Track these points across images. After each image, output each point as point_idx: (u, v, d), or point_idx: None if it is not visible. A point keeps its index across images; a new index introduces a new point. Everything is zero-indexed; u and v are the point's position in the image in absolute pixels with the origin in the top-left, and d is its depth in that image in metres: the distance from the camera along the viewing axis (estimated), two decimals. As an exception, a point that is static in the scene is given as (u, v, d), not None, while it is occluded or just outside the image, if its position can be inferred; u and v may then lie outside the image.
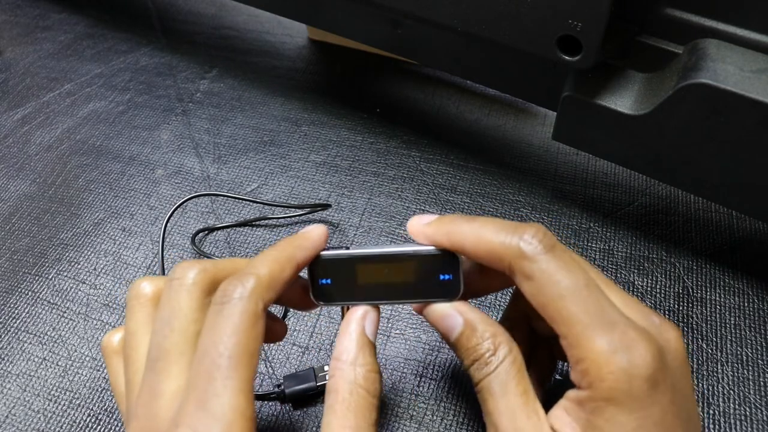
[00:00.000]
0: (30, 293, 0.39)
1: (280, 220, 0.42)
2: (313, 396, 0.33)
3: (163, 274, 0.40)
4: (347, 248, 0.27)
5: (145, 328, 0.25)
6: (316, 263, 0.26)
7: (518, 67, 0.39)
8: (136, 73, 0.56)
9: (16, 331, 0.37)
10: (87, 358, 0.35)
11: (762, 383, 0.33)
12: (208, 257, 0.40)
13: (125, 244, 0.41)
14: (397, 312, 0.37)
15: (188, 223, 0.42)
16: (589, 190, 0.43)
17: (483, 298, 0.37)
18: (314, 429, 0.32)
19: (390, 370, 0.34)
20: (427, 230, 0.26)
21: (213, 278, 0.25)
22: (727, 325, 0.35)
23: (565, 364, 0.32)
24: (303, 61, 0.57)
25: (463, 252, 0.25)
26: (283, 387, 0.32)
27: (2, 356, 0.36)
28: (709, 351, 0.34)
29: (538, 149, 0.47)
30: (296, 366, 0.34)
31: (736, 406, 0.32)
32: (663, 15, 0.32)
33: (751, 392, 0.32)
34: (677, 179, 0.34)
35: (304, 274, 0.27)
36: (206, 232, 0.42)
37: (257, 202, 0.43)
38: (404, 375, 0.34)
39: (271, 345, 0.35)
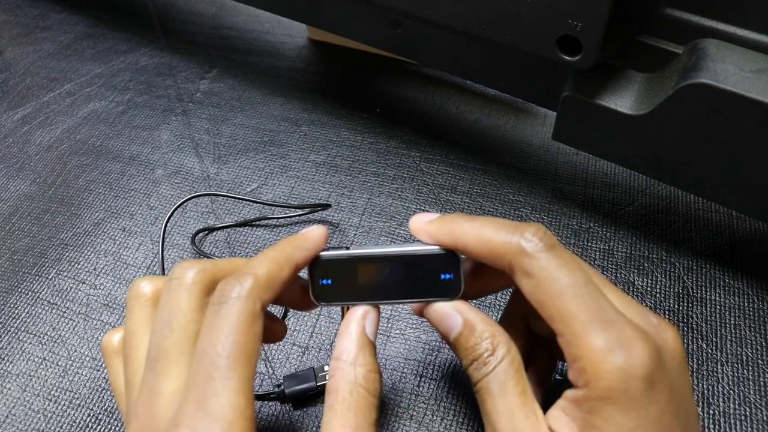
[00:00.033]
0: (30, 293, 0.39)
1: (280, 220, 0.42)
2: (313, 396, 0.33)
3: (163, 274, 0.40)
4: (347, 248, 0.27)
5: (145, 328, 0.25)
6: (316, 263, 0.26)
7: (518, 67, 0.39)
8: (136, 73, 0.56)
9: (16, 331, 0.37)
10: (87, 358, 0.35)
11: (762, 383, 0.33)
12: (208, 257, 0.40)
13: (125, 244, 0.41)
14: (397, 312, 0.37)
15: (188, 223, 0.42)
16: (589, 190, 0.43)
17: (483, 298, 0.37)
18: (314, 429, 0.32)
19: (390, 370, 0.34)
20: (429, 228, 0.26)
21: (212, 278, 0.25)
22: (727, 325, 0.35)
23: (565, 364, 0.32)
24: (303, 61, 0.57)
25: (464, 250, 0.25)
26: (283, 387, 0.32)
27: (2, 356, 0.36)
28: (709, 351, 0.34)
29: (538, 149, 0.47)
30: (296, 366, 0.34)
31: (736, 406, 0.32)
32: (663, 15, 0.32)
33: (751, 392, 0.32)
34: (677, 179, 0.34)
35: (303, 274, 0.27)
36: (206, 232, 0.42)
37: (257, 202, 0.43)
38: (404, 375, 0.34)
39: (271, 345, 0.35)
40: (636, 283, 0.37)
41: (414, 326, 0.36)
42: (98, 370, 0.35)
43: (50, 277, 0.40)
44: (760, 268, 0.38)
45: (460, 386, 0.33)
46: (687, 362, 0.24)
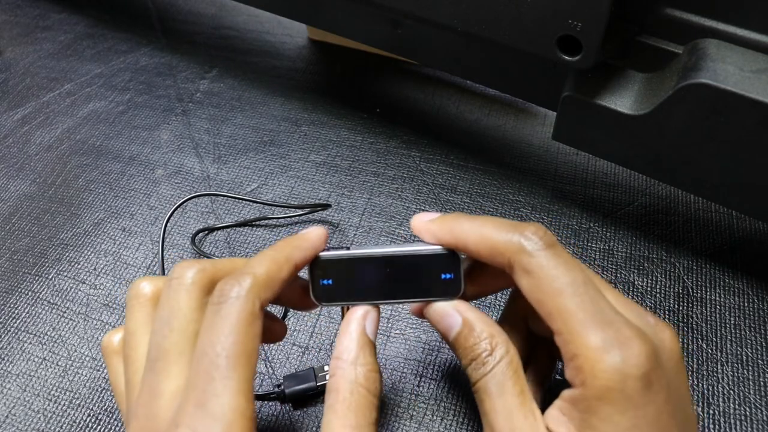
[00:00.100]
0: (30, 293, 0.39)
1: (280, 220, 0.42)
2: (313, 396, 0.33)
3: (163, 274, 0.40)
4: (347, 248, 0.27)
5: (145, 328, 0.25)
6: (317, 263, 0.26)
7: (518, 67, 0.39)
8: (136, 73, 0.56)
9: (16, 331, 0.37)
10: (87, 358, 0.35)
11: (762, 383, 0.33)
12: (208, 257, 0.40)
13: (125, 244, 0.41)
14: (397, 312, 0.37)
15: (188, 223, 0.42)
16: (589, 190, 0.43)
17: (483, 298, 0.37)
18: (314, 429, 0.32)
19: (390, 370, 0.34)
20: (430, 226, 0.26)
21: (212, 278, 0.25)
22: (727, 325, 0.35)
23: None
24: (303, 61, 0.57)
25: (465, 248, 0.25)
26: (283, 387, 0.32)
27: (2, 356, 0.36)
28: (709, 351, 0.34)
29: (538, 149, 0.47)
30: (296, 366, 0.34)
31: (736, 406, 0.32)
32: (663, 15, 0.32)
33: (751, 392, 0.32)
34: (677, 179, 0.34)
35: (303, 274, 0.27)
36: (206, 232, 0.42)
37: (257, 202, 0.43)
38: (404, 375, 0.34)
39: (271, 345, 0.35)
40: (636, 283, 0.37)
41: (414, 326, 0.36)
42: (98, 370, 0.35)
43: (50, 277, 0.40)
44: (760, 268, 0.38)
45: (460, 386, 0.33)
46: (684, 362, 0.24)
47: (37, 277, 0.40)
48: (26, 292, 0.39)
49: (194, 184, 0.45)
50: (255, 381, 0.23)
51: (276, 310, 0.37)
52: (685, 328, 0.35)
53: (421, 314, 0.27)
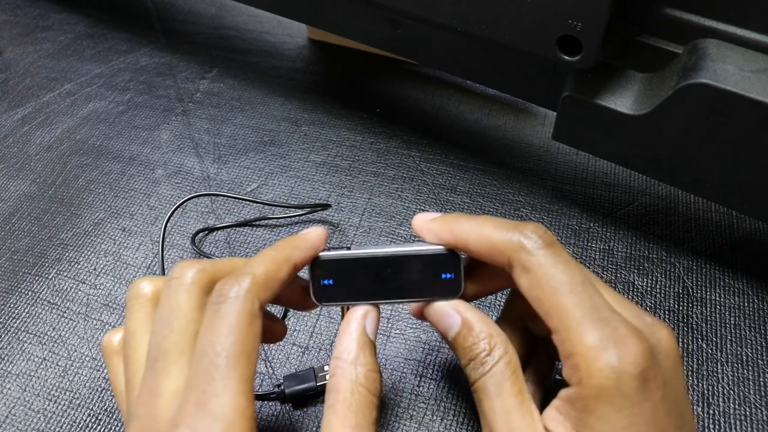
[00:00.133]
0: (30, 293, 0.39)
1: (280, 220, 0.42)
2: (313, 396, 0.33)
3: (163, 274, 0.40)
4: (348, 248, 0.27)
5: (145, 328, 0.25)
6: (317, 264, 0.26)
7: (518, 67, 0.39)
8: (136, 73, 0.56)
9: (16, 331, 0.37)
10: (87, 358, 0.35)
11: (762, 383, 0.33)
12: (208, 257, 0.40)
13: (125, 244, 0.41)
14: (397, 312, 0.37)
15: (188, 223, 0.42)
16: (589, 190, 0.43)
17: (483, 298, 0.37)
18: (314, 429, 0.32)
19: (390, 370, 0.34)
20: (431, 226, 0.26)
21: (212, 278, 0.25)
22: (727, 325, 0.35)
23: (565, 364, 0.32)
24: (303, 61, 0.57)
25: (465, 247, 0.25)
26: (283, 387, 0.32)
27: (2, 356, 0.36)
28: (709, 351, 0.34)
29: (538, 149, 0.47)
30: (296, 366, 0.34)
31: (736, 406, 0.32)
32: (663, 15, 0.32)
33: (751, 392, 0.32)
34: (677, 179, 0.34)
35: (303, 274, 0.27)
36: (206, 232, 0.42)
37: (257, 202, 0.43)
38: (404, 375, 0.34)
39: (271, 345, 0.35)
40: (636, 283, 0.37)
41: (414, 326, 0.36)
42: (98, 370, 0.35)
43: (50, 277, 0.40)
44: (760, 268, 0.38)
45: (460, 386, 0.33)
46: (681, 361, 0.24)
47: (37, 277, 0.40)
48: (26, 292, 0.39)
49: (194, 184, 0.45)
50: (255, 381, 0.23)
51: (276, 310, 0.37)
52: (685, 328, 0.35)
53: (420, 315, 0.28)
